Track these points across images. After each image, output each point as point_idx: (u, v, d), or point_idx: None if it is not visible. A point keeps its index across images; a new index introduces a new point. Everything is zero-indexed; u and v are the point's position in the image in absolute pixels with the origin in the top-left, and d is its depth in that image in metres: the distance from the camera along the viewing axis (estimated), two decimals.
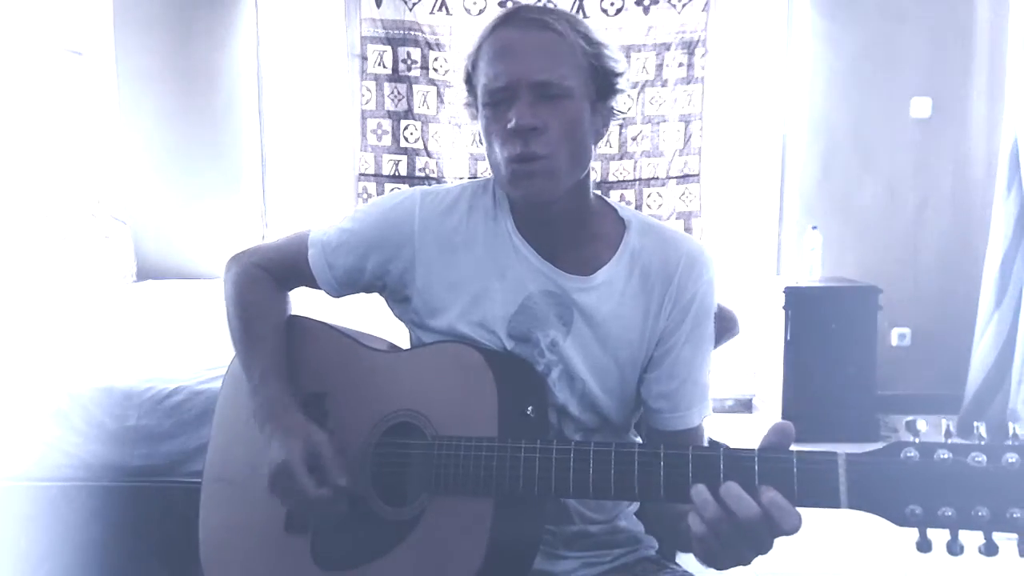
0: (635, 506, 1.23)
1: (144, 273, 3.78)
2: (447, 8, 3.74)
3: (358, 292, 1.19)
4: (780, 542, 0.84)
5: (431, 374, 1.07)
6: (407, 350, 1.17)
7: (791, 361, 3.45)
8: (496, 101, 1.03)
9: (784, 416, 3.43)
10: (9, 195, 2.98)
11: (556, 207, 1.07)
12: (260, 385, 1.12)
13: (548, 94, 1.01)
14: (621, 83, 1.08)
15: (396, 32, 3.76)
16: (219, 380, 1.24)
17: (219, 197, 3.85)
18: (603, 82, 1.06)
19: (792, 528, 0.81)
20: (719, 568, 0.87)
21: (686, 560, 1.25)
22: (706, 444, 1.12)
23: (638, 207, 3.78)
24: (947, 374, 3.69)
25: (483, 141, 1.08)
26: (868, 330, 3.46)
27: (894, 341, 3.82)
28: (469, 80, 1.09)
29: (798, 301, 3.45)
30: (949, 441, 0.78)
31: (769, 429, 0.86)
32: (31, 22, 3.23)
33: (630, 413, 1.15)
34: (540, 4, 1.12)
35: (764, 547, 0.84)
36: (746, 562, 0.85)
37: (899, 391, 3.71)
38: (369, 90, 3.80)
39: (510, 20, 1.05)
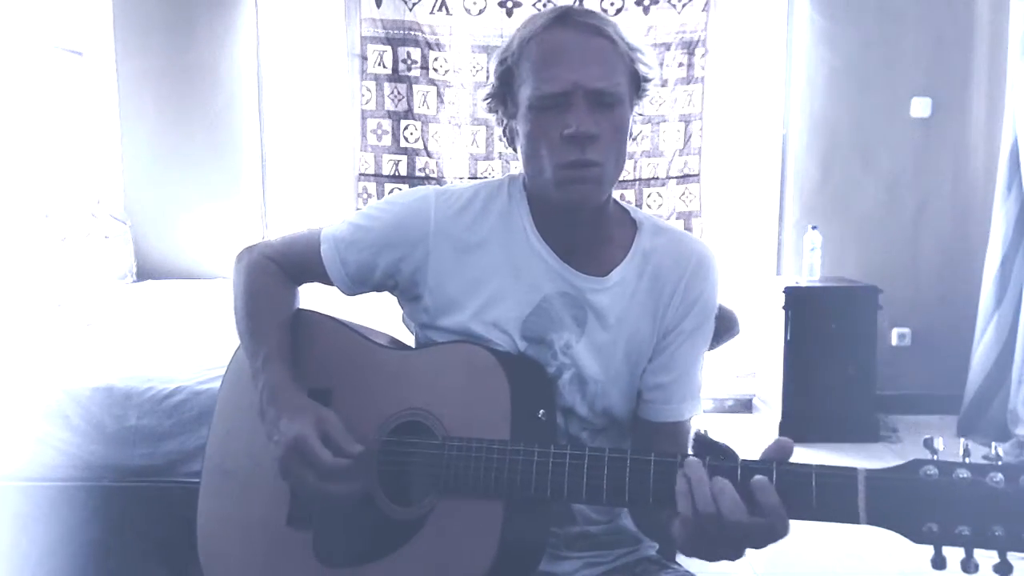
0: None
1: (144, 273, 3.78)
2: (447, 8, 3.74)
3: (370, 290, 1.18)
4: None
5: (442, 374, 1.06)
6: (417, 349, 1.16)
7: (791, 361, 3.44)
8: (548, 105, 1.02)
9: (784, 416, 3.43)
10: (9, 195, 2.98)
11: (586, 210, 1.07)
12: (262, 369, 1.10)
13: (603, 101, 1.01)
14: (649, 88, 1.09)
15: (396, 32, 3.76)
16: (219, 380, 1.24)
17: (219, 197, 3.85)
18: (637, 87, 1.08)
19: (775, 531, 0.83)
20: (691, 555, 0.89)
21: (686, 560, 1.25)
22: (691, 438, 1.12)
23: (638, 207, 3.76)
24: (947, 374, 3.69)
25: (522, 141, 1.06)
26: (868, 330, 3.45)
27: (894, 341, 3.82)
28: (505, 76, 1.07)
29: (798, 301, 3.45)
30: (968, 460, 0.79)
31: (769, 446, 0.87)
32: (31, 22, 3.23)
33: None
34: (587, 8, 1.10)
35: (738, 548, 0.85)
36: (714, 559, 0.87)
37: (899, 391, 3.71)
38: (369, 90, 3.80)
39: (563, 22, 1.03)
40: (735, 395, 3.87)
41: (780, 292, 3.46)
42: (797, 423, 3.38)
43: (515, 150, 1.10)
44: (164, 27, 3.77)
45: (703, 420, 1.15)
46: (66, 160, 3.46)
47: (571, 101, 1.00)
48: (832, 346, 3.43)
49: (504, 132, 1.12)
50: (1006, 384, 3.35)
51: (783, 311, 3.43)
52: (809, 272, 3.59)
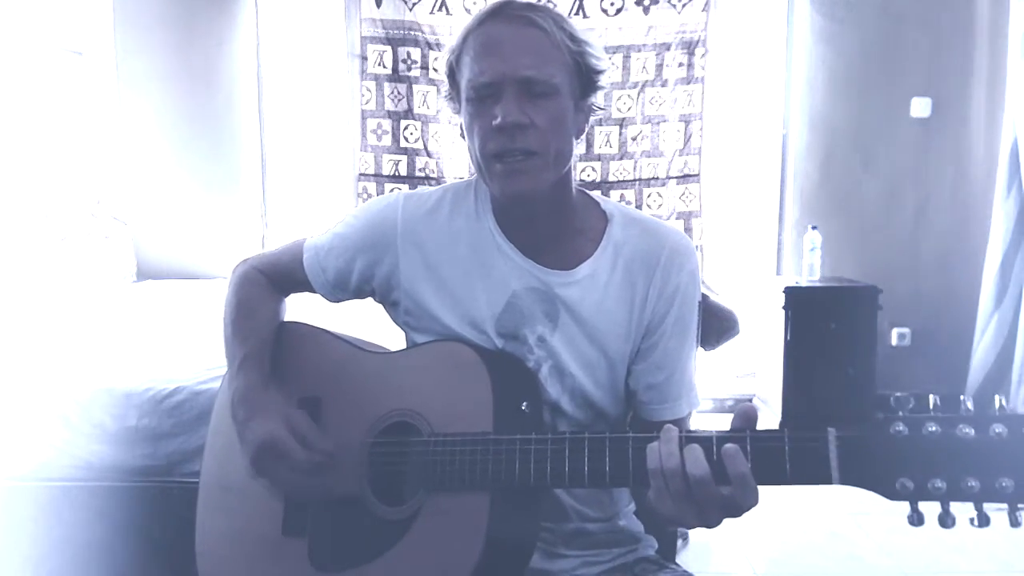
0: (634, 505, 1.23)
1: (144, 273, 3.79)
2: (447, 8, 3.74)
3: (351, 296, 1.21)
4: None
5: (426, 373, 1.08)
6: (401, 351, 1.17)
7: (791, 361, 3.44)
8: (481, 96, 1.03)
9: (784, 416, 3.43)
10: (10, 195, 2.98)
11: (537, 203, 1.08)
12: (238, 373, 1.12)
13: (534, 91, 1.02)
14: (602, 80, 1.09)
15: (396, 32, 3.76)
16: (219, 380, 1.24)
17: (219, 197, 3.85)
18: (586, 80, 1.08)
19: (746, 502, 0.84)
20: (665, 519, 0.90)
21: (686, 560, 1.25)
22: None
23: (638, 207, 3.78)
24: (947, 374, 3.69)
25: (464, 135, 1.09)
26: (868, 330, 3.45)
27: (894, 341, 3.82)
28: (452, 74, 1.09)
29: (798, 301, 3.44)
30: (936, 414, 0.79)
31: (735, 415, 0.88)
32: (31, 22, 3.23)
33: (623, 406, 1.15)
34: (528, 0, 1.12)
35: (705, 511, 0.86)
36: (688, 525, 0.88)
37: (899, 391, 3.68)
38: (369, 90, 3.80)
39: (496, 15, 1.05)
40: (735, 395, 3.87)
41: (780, 292, 3.46)
42: (797, 423, 3.37)
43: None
44: (164, 27, 3.77)
45: (703, 420, 1.15)
46: (66, 160, 3.46)
47: (501, 92, 1.02)
48: (832, 346, 3.43)
49: (460, 126, 1.13)
50: (1006, 384, 3.35)
51: (783, 311, 3.43)
52: (809, 272, 3.59)
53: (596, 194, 1.18)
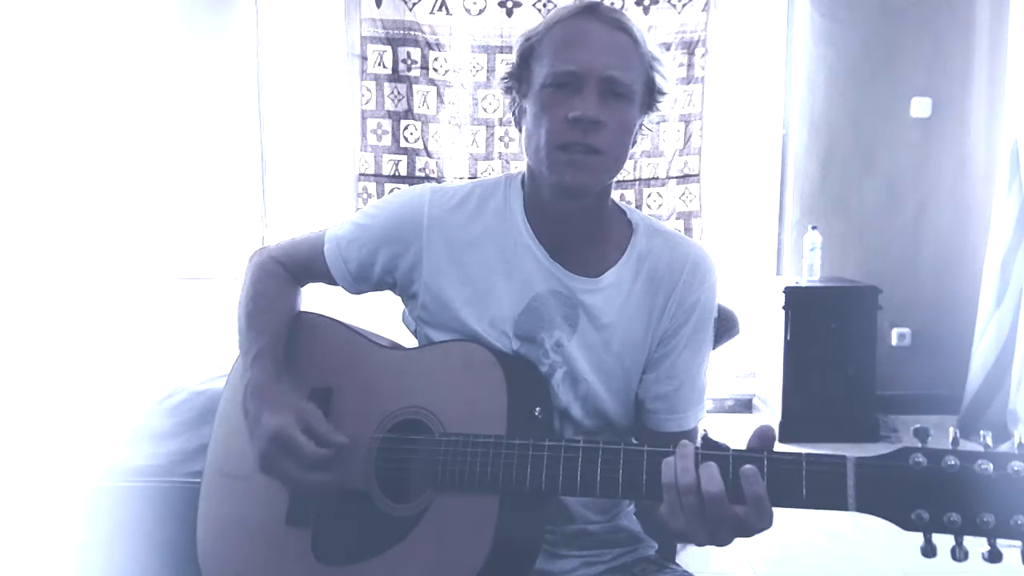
0: (635, 505, 1.23)
1: (145, 273, 3.78)
2: (447, 8, 3.74)
3: (373, 288, 1.20)
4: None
5: (441, 372, 1.07)
6: (416, 348, 1.17)
7: (791, 361, 3.45)
8: (560, 84, 1.03)
9: (784, 416, 3.44)
10: (9, 196, 2.98)
11: (578, 206, 1.08)
12: (252, 365, 1.12)
13: (614, 91, 1.03)
14: (661, 103, 1.10)
15: (396, 32, 3.76)
16: (220, 380, 1.25)
17: (219, 197, 3.85)
18: (650, 97, 1.09)
19: (759, 523, 0.84)
20: (676, 535, 0.90)
21: (686, 560, 1.25)
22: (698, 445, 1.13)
23: (638, 207, 3.77)
24: (947, 374, 3.69)
25: (528, 120, 1.07)
26: (868, 330, 3.46)
27: (894, 341, 3.83)
28: (526, 54, 1.09)
29: (798, 301, 3.45)
30: (956, 448, 0.79)
31: (752, 434, 0.88)
32: (31, 21, 3.23)
33: (632, 416, 1.15)
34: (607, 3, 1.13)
35: (719, 531, 0.86)
36: (699, 542, 0.88)
37: (899, 391, 3.71)
38: (369, 90, 3.81)
39: (589, 13, 1.07)
40: (735, 395, 3.88)
41: (780, 292, 3.47)
42: (797, 423, 3.38)
43: (520, 130, 1.11)
44: (164, 27, 3.77)
45: (703, 421, 1.15)
46: (66, 160, 3.45)
47: (583, 85, 1.02)
48: (832, 346, 3.43)
49: (514, 112, 1.12)
50: (1006, 384, 3.35)
51: (783, 311, 3.44)
52: (809, 272, 3.59)
53: (625, 202, 1.18)
